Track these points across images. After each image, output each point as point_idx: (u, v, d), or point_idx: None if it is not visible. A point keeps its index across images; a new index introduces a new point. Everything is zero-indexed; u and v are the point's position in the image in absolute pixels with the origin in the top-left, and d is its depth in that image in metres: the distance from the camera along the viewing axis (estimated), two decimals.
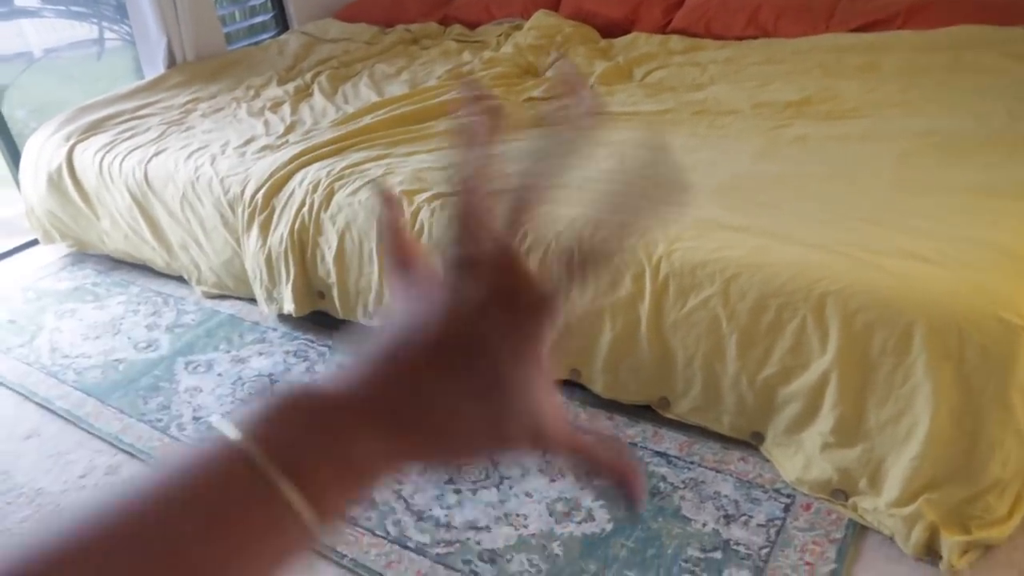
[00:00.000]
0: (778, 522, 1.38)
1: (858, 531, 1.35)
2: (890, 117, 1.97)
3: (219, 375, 2.02)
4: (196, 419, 1.86)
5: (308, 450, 0.27)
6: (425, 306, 0.32)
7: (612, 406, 1.70)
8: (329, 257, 1.96)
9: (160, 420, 1.87)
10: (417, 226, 1.80)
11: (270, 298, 2.13)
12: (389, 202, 0.37)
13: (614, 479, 0.33)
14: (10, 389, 2.08)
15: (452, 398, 0.30)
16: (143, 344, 2.21)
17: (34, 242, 2.93)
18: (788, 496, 1.44)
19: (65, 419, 1.93)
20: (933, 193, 1.56)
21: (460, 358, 0.30)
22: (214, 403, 1.91)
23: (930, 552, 1.28)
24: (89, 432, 1.87)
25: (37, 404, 2.00)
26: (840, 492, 1.40)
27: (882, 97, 2.09)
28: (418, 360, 0.30)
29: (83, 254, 2.79)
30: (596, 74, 2.53)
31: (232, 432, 0.27)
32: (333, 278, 1.98)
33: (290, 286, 2.05)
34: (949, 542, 1.26)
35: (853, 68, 2.30)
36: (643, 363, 1.59)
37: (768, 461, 1.52)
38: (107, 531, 0.24)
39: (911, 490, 1.29)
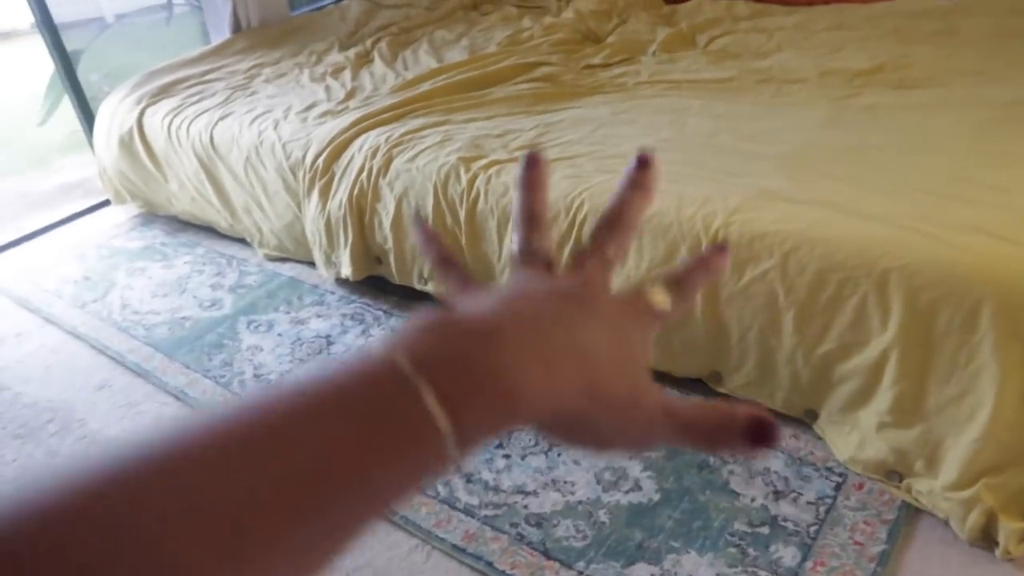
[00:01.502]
0: (828, 500, 1.37)
1: (911, 513, 1.33)
2: (967, 85, 1.88)
3: (279, 335, 2.08)
4: (257, 376, 1.93)
5: (456, 365, 0.27)
6: (543, 273, 0.35)
7: (663, 378, 1.69)
8: (387, 223, 1.99)
9: (223, 376, 1.94)
10: (473, 193, 1.81)
11: (329, 262, 2.18)
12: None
13: (741, 427, 0.31)
14: (84, 342, 2.18)
15: (589, 333, 0.30)
16: (207, 303, 2.29)
17: (107, 202, 3.05)
18: (840, 475, 1.42)
19: (135, 372, 2.02)
20: (1010, 166, 1.49)
21: (588, 303, 0.32)
22: (274, 362, 1.97)
23: (986, 538, 1.25)
24: (157, 385, 1.95)
25: (109, 357, 2.10)
26: (895, 473, 1.37)
27: (959, 64, 2.00)
28: (552, 297, 0.31)
29: (152, 215, 2.89)
30: (658, 41, 2.48)
31: (382, 345, 0.27)
32: (390, 243, 2.01)
33: (348, 250, 2.09)
34: (1007, 528, 1.22)
35: (929, 33, 2.20)
36: (696, 336, 1.57)
37: (821, 439, 1.49)
38: (252, 424, 0.24)
39: (970, 473, 1.25)
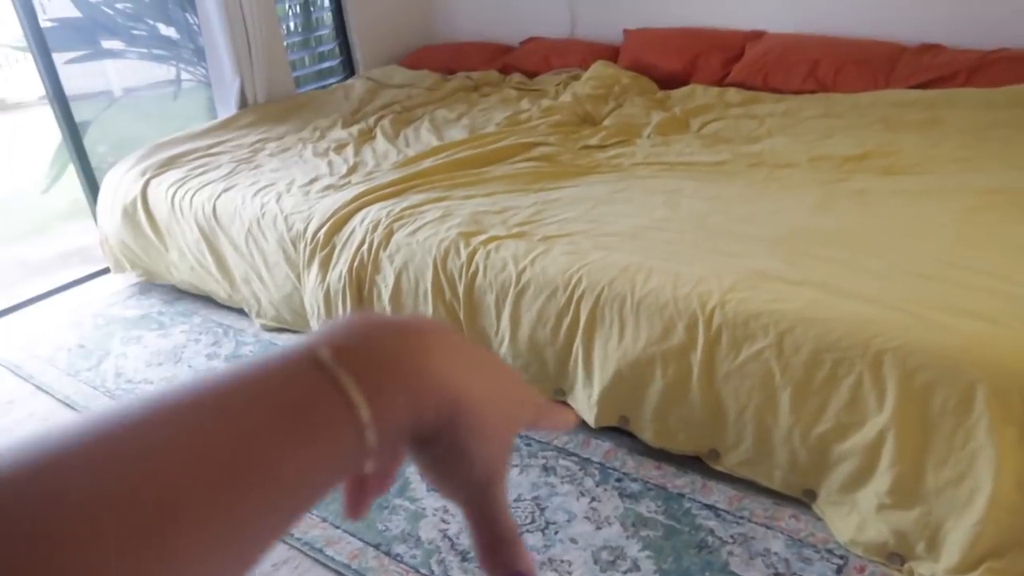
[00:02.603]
0: None
1: None
2: (952, 173, 1.94)
3: None
4: None
5: (377, 356, 0.27)
6: None
7: (661, 455, 1.69)
8: (386, 295, 2.01)
9: None
10: (472, 268, 1.84)
11: None
12: None
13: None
14: (76, 410, 2.16)
15: (490, 359, 0.33)
16: (203, 373, 2.27)
17: (106, 270, 3.06)
18: (841, 557, 1.40)
19: None
20: (997, 250, 1.53)
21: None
22: None
23: None
24: None
25: None
26: (896, 556, 1.35)
27: (944, 153, 2.07)
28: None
29: (151, 284, 2.91)
30: (653, 124, 2.57)
31: (304, 340, 0.28)
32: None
33: None
34: None
35: (914, 123, 2.29)
36: (693, 413, 1.58)
37: (821, 520, 1.48)
38: (175, 407, 0.24)
39: (972, 557, 1.24)
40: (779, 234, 1.73)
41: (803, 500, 1.52)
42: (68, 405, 2.19)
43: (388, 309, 2.01)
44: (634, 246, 1.75)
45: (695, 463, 1.64)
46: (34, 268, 3.33)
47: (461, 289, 1.87)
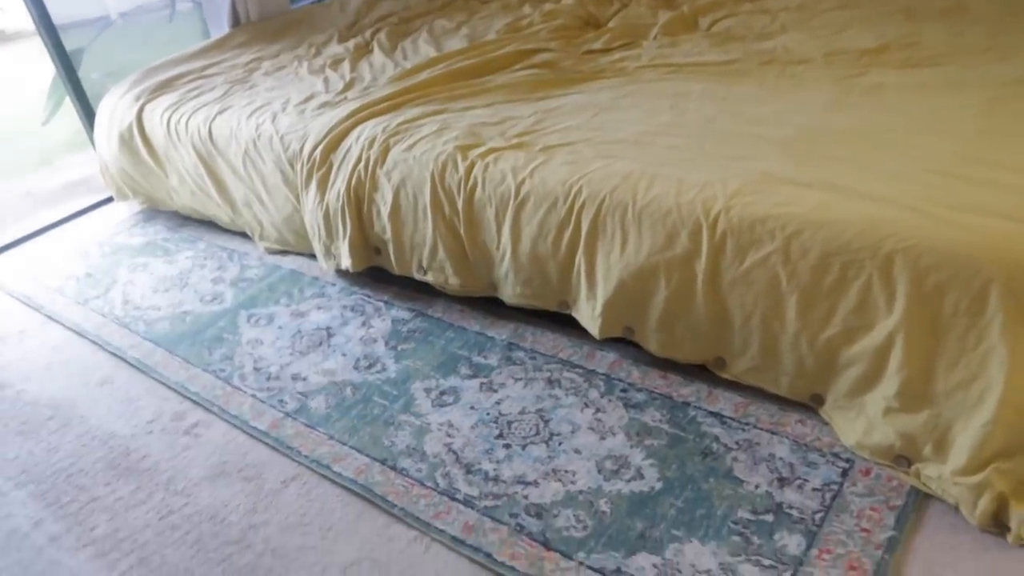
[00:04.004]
0: (835, 487, 1.33)
1: (920, 499, 1.29)
2: (976, 64, 1.83)
3: (279, 328, 2.06)
4: (257, 370, 1.91)
5: None
6: None
7: (666, 365, 1.67)
8: (385, 213, 1.97)
9: (223, 370, 1.93)
10: (471, 181, 1.78)
11: (328, 254, 2.16)
12: None
13: None
14: (86, 338, 2.18)
15: None
16: (208, 297, 2.27)
17: (110, 199, 3.05)
18: (847, 461, 1.38)
19: (136, 368, 2.01)
20: (1020, 146, 1.44)
21: None
22: (274, 355, 1.96)
23: (997, 523, 1.22)
24: (158, 380, 1.95)
25: (110, 353, 2.09)
26: (903, 458, 1.33)
27: (969, 42, 1.95)
28: None
29: (154, 211, 2.89)
30: (659, 24, 2.44)
31: None
32: (388, 234, 1.99)
33: (347, 242, 2.07)
34: (1019, 514, 1.19)
35: (938, 11, 2.15)
36: (699, 322, 1.54)
37: (827, 424, 1.46)
38: None
39: (980, 458, 1.22)
40: (790, 135, 1.65)
41: (810, 406, 1.49)
42: (79, 333, 2.21)
43: (388, 227, 1.98)
44: (637, 153, 1.68)
45: (701, 372, 1.62)
46: (40, 200, 3.31)
47: (460, 204, 1.82)
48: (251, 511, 1.51)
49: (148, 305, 2.28)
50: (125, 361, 2.05)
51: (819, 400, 1.48)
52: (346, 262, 2.10)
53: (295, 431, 1.69)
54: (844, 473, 1.36)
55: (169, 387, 1.91)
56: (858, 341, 1.35)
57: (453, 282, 1.93)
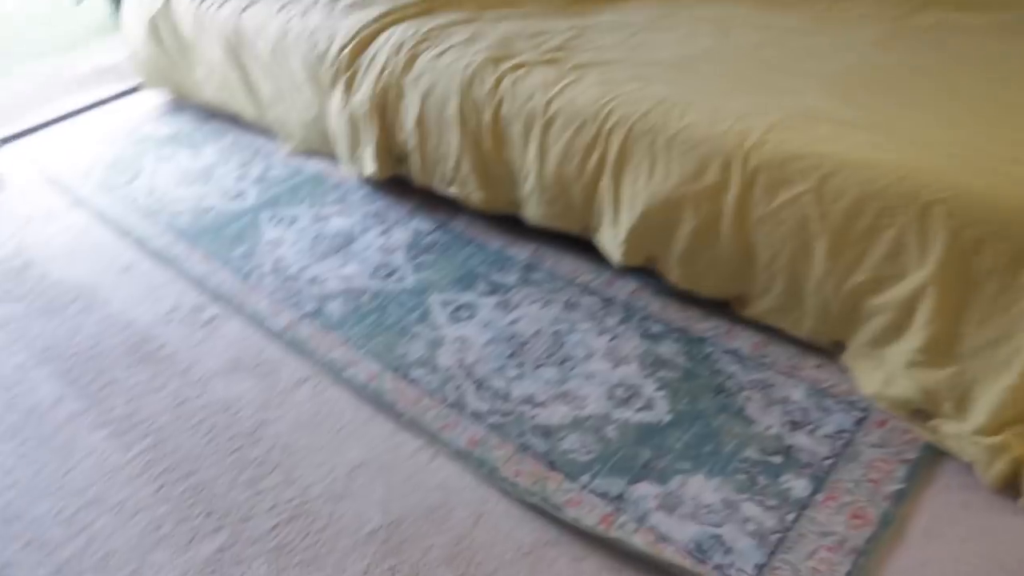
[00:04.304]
0: (847, 435, 1.32)
1: (933, 456, 1.28)
2: None
3: (300, 230, 2.05)
4: (276, 270, 1.91)
5: None
6: None
7: (686, 298, 1.64)
8: (410, 122, 1.92)
9: (243, 267, 1.93)
10: (499, 96, 1.72)
11: (352, 159, 2.13)
12: None
13: None
14: (110, 225, 2.19)
15: None
16: (232, 194, 2.26)
17: (138, 87, 3.00)
18: (863, 410, 1.36)
19: (158, 258, 2.02)
20: None
21: None
22: (293, 256, 1.95)
23: (1010, 486, 1.20)
24: (178, 272, 1.96)
25: (134, 240, 2.10)
26: (920, 412, 1.31)
27: None
28: None
29: (182, 102, 2.85)
30: None
31: None
32: (413, 143, 1.94)
33: (371, 149, 2.03)
34: None
35: None
36: (723, 257, 1.50)
37: (846, 372, 1.44)
38: None
39: (1001, 419, 1.19)
40: (835, 71, 1.57)
41: (830, 351, 1.47)
42: (104, 219, 2.21)
43: (412, 137, 1.93)
44: (674, 77, 1.60)
45: (721, 308, 1.59)
46: (71, 83, 3.28)
47: (487, 118, 1.76)
48: (263, 407, 1.54)
49: (172, 198, 2.28)
50: (148, 250, 2.06)
51: (840, 346, 1.45)
52: (370, 169, 2.06)
53: (310, 332, 1.69)
54: (859, 422, 1.34)
55: (189, 279, 1.93)
56: (886, 290, 1.31)
57: (476, 197, 1.89)
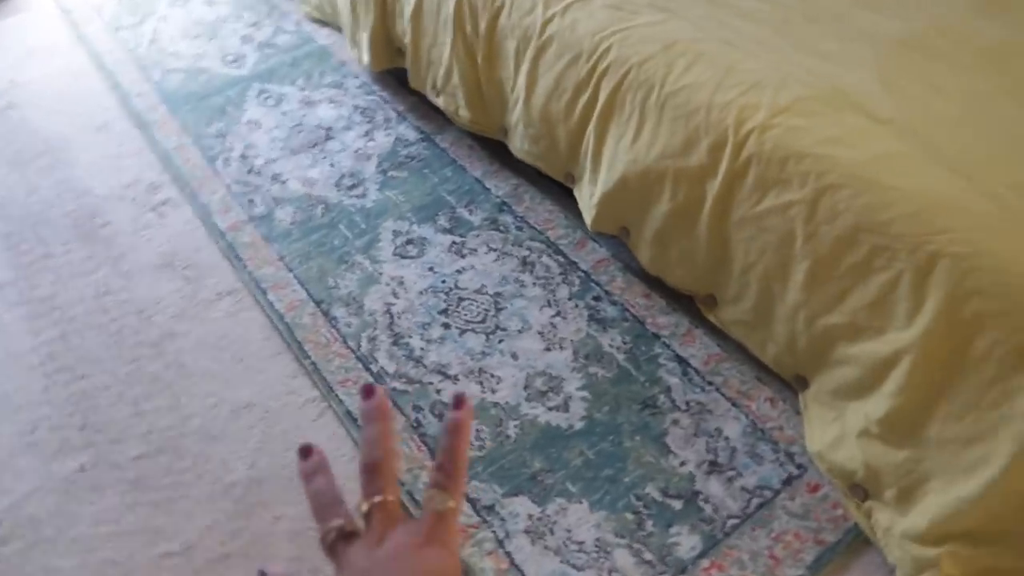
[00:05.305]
0: (768, 494, 1.13)
1: (856, 543, 1.08)
2: None
3: (282, 114, 1.90)
4: (243, 157, 1.78)
5: None
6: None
7: (654, 284, 1.42)
8: (407, 13, 1.68)
9: (212, 148, 1.81)
10: (497, 2, 1.46)
11: (353, 42, 1.91)
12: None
13: None
14: (103, 73, 2.08)
15: None
16: (231, 58, 2.10)
17: None
18: (799, 467, 1.17)
19: (135, 121, 1.91)
20: None
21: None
22: (266, 145, 1.81)
23: None
24: (149, 142, 1.85)
25: (118, 97, 2.00)
26: (860, 489, 1.11)
27: None
28: None
29: None
30: None
31: None
32: (408, 38, 1.71)
33: (368, 35, 1.80)
34: None
35: None
36: (697, 249, 1.27)
37: (798, 415, 1.22)
38: None
39: (942, 531, 0.98)
40: (904, 35, 1.23)
41: (792, 385, 1.25)
42: (99, 65, 2.11)
43: (408, 31, 1.69)
44: (697, 15, 1.31)
45: (688, 304, 1.38)
46: None
47: (483, 26, 1.51)
48: (178, 316, 1.46)
49: (171, 51, 2.14)
50: (128, 110, 1.95)
51: (803, 383, 1.23)
52: (366, 57, 1.85)
53: (250, 240, 1.58)
54: (788, 481, 1.15)
55: (155, 152, 1.82)
56: (861, 343, 1.07)
57: (464, 114, 1.67)
